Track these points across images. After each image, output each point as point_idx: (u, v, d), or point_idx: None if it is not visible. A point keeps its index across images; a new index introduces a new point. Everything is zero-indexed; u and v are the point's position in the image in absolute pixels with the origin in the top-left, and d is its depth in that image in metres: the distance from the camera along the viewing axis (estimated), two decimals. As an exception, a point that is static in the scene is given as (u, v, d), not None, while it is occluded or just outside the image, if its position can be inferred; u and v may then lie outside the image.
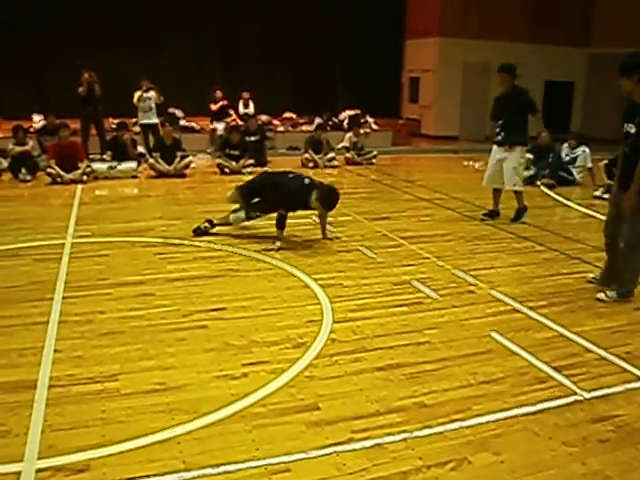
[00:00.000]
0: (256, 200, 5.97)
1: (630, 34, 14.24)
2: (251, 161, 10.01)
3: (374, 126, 13.88)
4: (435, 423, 2.78)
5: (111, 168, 9.27)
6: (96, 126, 10.68)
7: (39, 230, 5.99)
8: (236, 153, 9.94)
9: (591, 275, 4.84)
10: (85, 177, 8.81)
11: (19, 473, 2.37)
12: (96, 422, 2.72)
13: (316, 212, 6.12)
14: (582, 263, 5.39)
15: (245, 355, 3.42)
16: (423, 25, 15.99)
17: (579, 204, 8.18)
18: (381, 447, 2.60)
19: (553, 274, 5.05)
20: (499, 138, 6.61)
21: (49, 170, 8.68)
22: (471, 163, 11.88)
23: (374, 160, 11.45)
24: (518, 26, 15.71)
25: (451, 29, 15.29)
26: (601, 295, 4.43)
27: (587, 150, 9.67)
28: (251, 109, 12.73)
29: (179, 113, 12.99)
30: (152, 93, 10.81)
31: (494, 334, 3.78)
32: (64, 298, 4.20)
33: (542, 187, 9.24)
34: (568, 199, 8.50)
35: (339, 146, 11.39)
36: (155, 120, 10.96)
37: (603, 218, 7.16)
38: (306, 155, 10.77)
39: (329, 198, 5.55)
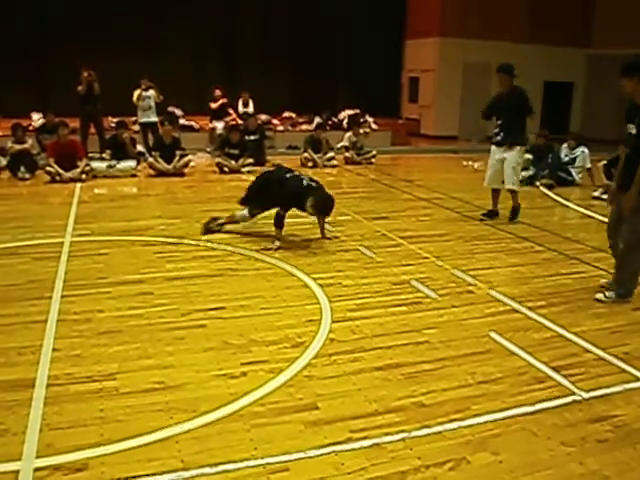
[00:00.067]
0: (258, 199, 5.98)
1: (630, 35, 14.27)
2: (250, 160, 10.01)
3: (374, 126, 13.89)
4: (434, 423, 2.79)
5: (110, 167, 9.26)
6: (95, 125, 10.68)
7: (38, 228, 5.98)
8: (235, 152, 9.93)
9: (604, 280, 4.74)
10: (84, 176, 8.80)
11: (17, 472, 2.37)
12: (94, 421, 2.72)
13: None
14: (581, 263, 5.39)
15: (244, 354, 3.42)
16: (423, 25, 16.00)
17: (578, 204, 8.18)
18: (380, 447, 2.60)
19: (552, 274, 5.05)
20: (498, 138, 6.62)
21: (48, 168, 8.67)
22: (470, 163, 11.89)
23: (373, 160, 11.46)
24: (518, 26, 15.73)
25: (451, 29, 15.30)
26: (600, 295, 4.44)
27: (586, 151, 9.68)
28: (251, 108, 12.73)
29: (178, 112, 12.98)
30: (151, 92, 10.80)
31: (493, 334, 3.78)
32: (63, 297, 4.20)
33: (541, 187, 9.25)
34: (567, 199, 8.51)
35: (338, 145, 11.39)
36: (154, 119, 10.95)
37: (602, 219, 7.23)
38: (305, 154, 10.77)
39: (323, 205, 5.51)
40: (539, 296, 4.49)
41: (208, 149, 12.08)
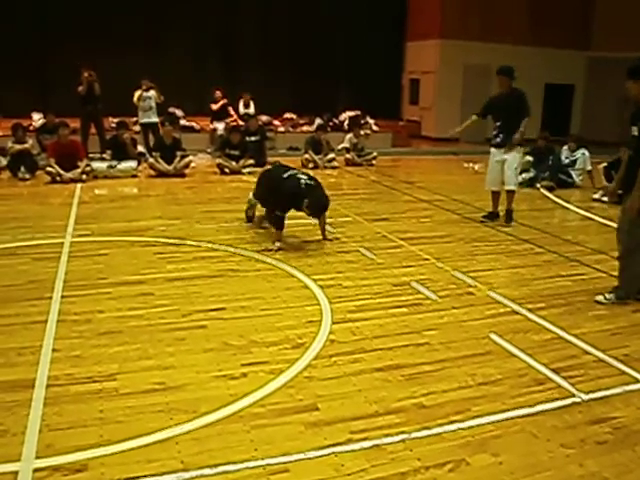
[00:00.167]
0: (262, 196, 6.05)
1: (630, 38, 14.29)
2: (251, 161, 10.01)
3: (374, 127, 13.91)
4: (434, 424, 2.79)
5: (111, 167, 9.27)
6: (96, 125, 10.68)
7: (38, 229, 5.99)
8: (236, 153, 9.94)
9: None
10: (85, 176, 8.80)
11: (16, 473, 2.36)
12: (94, 422, 2.72)
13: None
14: (581, 265, 5.39)
15: (244, 355, 3.42)
16: (424, 27, 16.02)
17: (578, 206, 8.18)
18: (380, 448, 2.60)
19: (552, 276, 5.05)
20: (498, 140, 6.62)
21: (48, 169, 8.67)
22: (471, 165, 11.90)
23: (374, 161, 11.46)
24: (518, 29, 15.75)
25: (451, 31, 15.32)
26: (600, 297, 4.44)
27: (586, 153, 9.69)
28: (251, 109, 12.73)
29: (179, 113, 12.99)
30: (152, 92, 10.81)
31: (493, 336, 3.78)
32: (63, 297, 4.20)
33: (542, 189, 9.25)
34: (567, 201, 8.51)
35: (339, 147, 11.40)
36: (155, 119, 10.96)
37: (602, 221, 7.25)
38: (306, 156, 10.78)
39: (318, 205, 5.50)
40: (539, 298, 4.49)
41: (209, 150, 12.08)
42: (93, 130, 10.69)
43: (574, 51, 16.66)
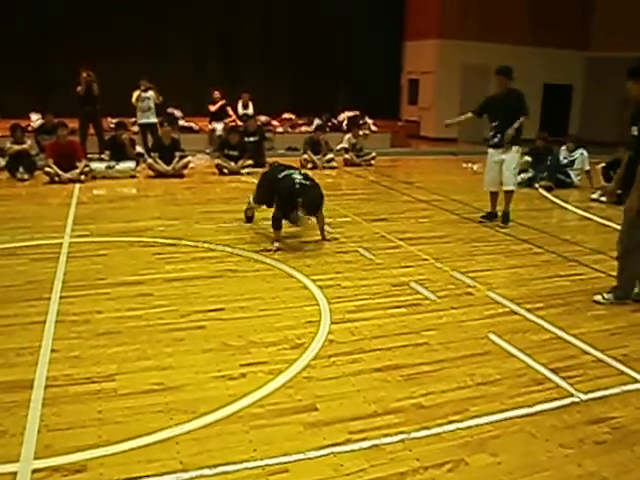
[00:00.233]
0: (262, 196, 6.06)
1: (629, 38, 14.31)
2: (250, 162, 10.01)
3: (373, 127, 13.90)
4: (433, 424, 2.79)
5: (109, 168, 9.26)
6: (94, 125, 10.68)
7: (37, 229, 5.98)
8: (235, 154, 9.93)
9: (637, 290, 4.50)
10: (83, 176, 8.80)
11: (15, 473, 2.36)
12: (93, 422, 2.71)
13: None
14: (579, 265, 5.40)
15: (243, 356, 3.42)
16: (423, 27, 16.02)
17: (577, 207, 8.19)
18: (379, 448, 2.60)
19: (551, 276, 5.06)
20: (496, 140, 6.61)
21: (47, 169, 8.66)
22: (470, 165, 11.90)
23: (373, 161, 11.47)
24: (517, 29, 15.76)
25: (450, 31, 15.33)
26: (598, 297, 4.44)
27: (585, 153, 9.69)
28: (250, 110, 12.74)
29: (178, 113, 12.98)
30: (151, 93, 10.81)
31: (492, 336, 3.78)
32: (61, 298, 4.19)
33: (540, 189, 9.26)
34: (566, 201, 8.52)
35: (338, 147, 11.40)
36: (154, 120, 10.95)
37: (600, 221, 7.26)
38: (305, 156, 10.78)
39: (312, 204, 5.51)
40: (538, 298, 4.50)
41: (207, 150, 12.08)
42: (92, 130, 10.69)
43: (573, 51, 16.68)
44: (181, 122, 12.71)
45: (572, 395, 3.10)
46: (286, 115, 14.30)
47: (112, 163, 9.34)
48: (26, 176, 8.88)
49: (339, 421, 2.79)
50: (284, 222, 5.61)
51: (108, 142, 10.01)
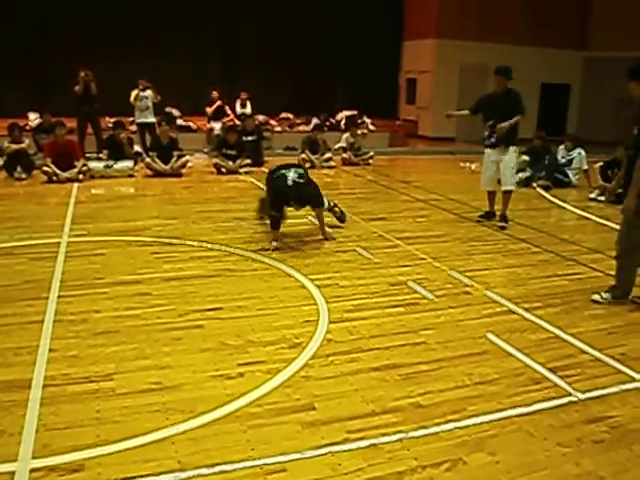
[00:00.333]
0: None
1: (627, 38, 14.33)
2: (248, 161, 10.01)
3: (371, 127, 13.89)
4: (431, 423, 2.79)
5: (107, 167, 9.25)
6: (92, 125, 10.66)
7: (35, 229, 5.97)
8: (233, 153, 9.93)
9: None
10: (81, 176, 8.78)
11: (13, 473, 2.36)
12: (91, 422, 2.71)
13: (312, 213, 6.14)
14: (577, 265, 5.41)
15: (241, 355, 3.42)
16: (421, 26, 16.03)
17: (575, 206, 8.20)
18: (376, 447, 2.60)
19: (549, 275, 5.06)
20: (492, 140, 6.59)
21: (45, 168, 8.65)
22: (467, 164, 11.91)
23: (371, 161, 11.47)
24: (515, 28, 15.77)
25: (448, 31, 15.33)
26: (596, 297, 4.45)
27: (583, 152, 9.72)
28: (248, 109, 12.73)
29: (176, 112, 12.97)
30: (149, 92, 10.80)
31: (490, 335, 3.79)
32: (59, 297, 4.19)
33: (538, 189, 9.27)
34: (564, 201, 8.53)
35: (336, 147, 11.40)
36: (152, 119, 10.94)
37: (598, 220, 7.27)
38: (303, 155, 10.77)
39: (301, 200, 5.51)
40: (536, 297, 4.50)
41: (205, 150, 12.07)
42: (90, 130, 10.67)
43: (571, 51, 16.69)
44: (179, 121, 12.71)
45: (570, 394, 3.10)
46: (284, 114, 14.30)
47: (110, 162, 9.33)
48: (24, 175, 8.87)
49: (337, 420, 2.79)
50: (283, 222, 5.62)
51: (106, 141, 9.99)
